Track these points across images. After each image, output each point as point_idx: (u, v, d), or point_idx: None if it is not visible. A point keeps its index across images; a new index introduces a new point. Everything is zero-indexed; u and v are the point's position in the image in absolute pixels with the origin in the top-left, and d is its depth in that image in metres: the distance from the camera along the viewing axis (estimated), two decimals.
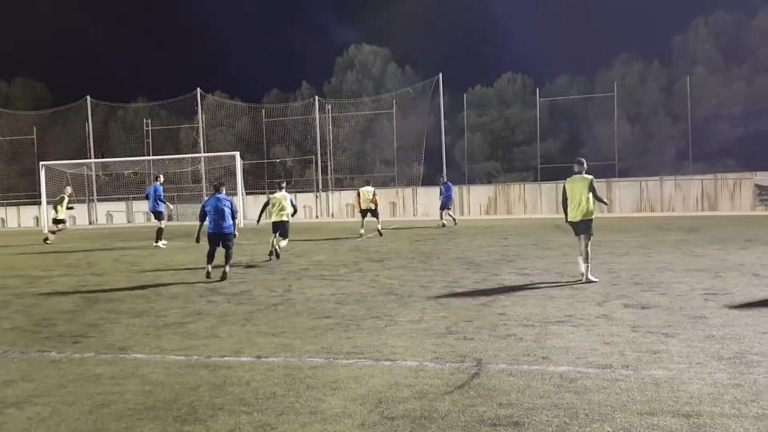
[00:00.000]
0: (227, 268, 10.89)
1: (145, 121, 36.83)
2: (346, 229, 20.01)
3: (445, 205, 21.91)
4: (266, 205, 13.35)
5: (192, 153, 34.30)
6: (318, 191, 33.23)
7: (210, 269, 10.79)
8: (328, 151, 34.68)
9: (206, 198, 11.98)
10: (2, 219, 36.47)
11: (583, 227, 9.66)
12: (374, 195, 18.84)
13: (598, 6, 49.72)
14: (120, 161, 32.10)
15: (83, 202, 34.06)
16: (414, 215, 29.76)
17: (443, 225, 21.72)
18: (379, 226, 19.11)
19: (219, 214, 10.94)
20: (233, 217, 11.14)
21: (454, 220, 22.71)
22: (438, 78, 30.77)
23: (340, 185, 35.92)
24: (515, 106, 41.56)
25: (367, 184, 19.53)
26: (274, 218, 13.47)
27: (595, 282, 9.23)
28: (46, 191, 27.55)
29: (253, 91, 53.12)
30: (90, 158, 33.94)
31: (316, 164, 34.12)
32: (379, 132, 38.37)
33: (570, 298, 8.11)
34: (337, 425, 4.06)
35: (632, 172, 32.38)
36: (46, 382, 5.17)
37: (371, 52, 45.27)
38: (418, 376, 5.02)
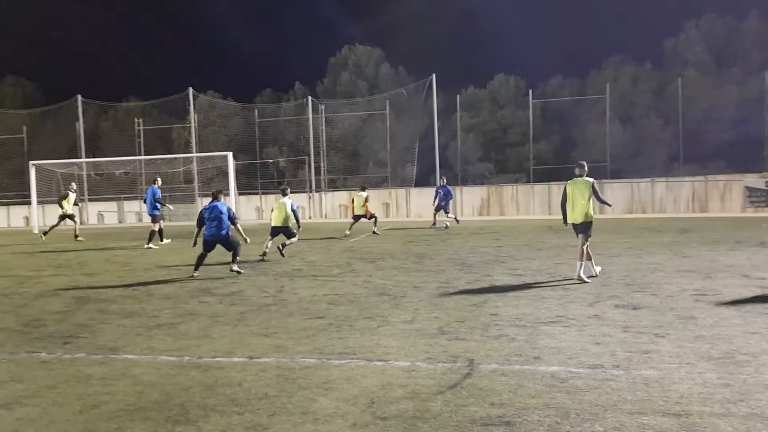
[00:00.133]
0: (234, 266, 11.26)
1: (136, 120, 36.63)
2: (340, 230, 20.01)
3: (442, 207, 21.51)
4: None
5: (184, 153, 34.16)
6: (311, 192, 33.19)
7: (195, 274, 11.00)
8: (321, 151, 34.64)
9: (204, 204, 12.30)
10: None
11: (582, 228, 9.81)
12: (366, 201, 18.91)
13: (590, 8, 50.00)
14: (111, 161, 31.93)
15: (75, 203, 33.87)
16: (407, 216, 29.77)
17: (434, 225, 21.50)
18: (375, 228, 19.20)
19: (216, 221, 11.21)
20: (233, 223, 11.44)
21: (456, 219, 22.61)
22: (431, 79, 30.81)
23: (333, 186, 35.87)
24: (508, 107, 41.68)
25: (362, 189, 19.54)
26: (273, 223, 13.80)
27: (587, 282, 9.30)
28: (37, 191, 27.38)
29: (246, 91, 53.00)
30: (81, 158, 33.74)
31: (309, 165, 34.08)
32: (373, 133, 38.37)
33: (562, 298, 8.14)
34: (329, 425, 4.05)
35: (624, 173, 32.55)
36: (36, 383, 5.14)
37: (365, 52, 45.27)
38: (410, 376, 5.03)
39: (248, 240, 11.95)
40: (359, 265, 12.06)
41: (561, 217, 10.03)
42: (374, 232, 19.04)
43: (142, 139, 36.36)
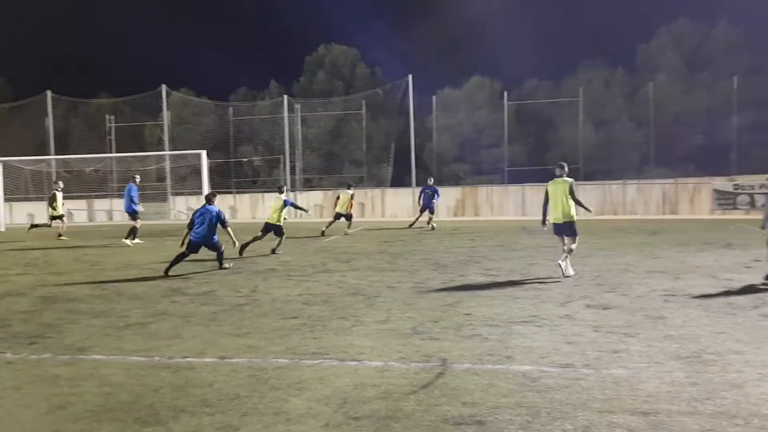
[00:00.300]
0: (223, 264, 11.53)
1: (108, 117, 36.02)
2: (315, 230, 19.93)
3: (428, 208, 21.17)
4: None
5: (156, 151, 33.69)
6: (286, 191, 32.99)
7: (169, 273, 10.92)
8: (297, 151, 34.46)
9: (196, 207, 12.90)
10: None
11: (565, 229, 10.02)
12: (351, 199, 19.21)
13: (566, 12, 50.53)
14: (81, 158, 31.35)
15: (42, 200, 33.24)
16: (383, 216, 29.78)
17: (412, 226, 21.48)
18: (347, 229, 19.21)
19: (206, 224, 11.34)
20: (224, 227, 11.62)
21: (432, 226, 21.93)
22: (408, 80, 30.86)
23: (308, 185, 35.70)
24: (484, 109, 41.93)
25: (348, 187, 19.74)
26: (267, 219, 14.30)
27: (570, 276, 9.75)
28: (4, 188, 26.77)
29: (220, 89, 52.45)
30: (50, 155, 33.07)
31: (285, 164, 33.87)
32: (349, 133, 38.29)
33: (534, 298, 8.22)
34: (301, 426, 4.03)
35: (596, 175, 32.94)
36: (1, 384, 5.03)
37: (341, 52, 45.16)
38: (383, 376, 5.03)
39: (236, 243, 12.11)
40: (334, 265, 12.03)
41: (535, 218, 10.20)
42: (346, 233, 19.03)
43: (113, 137, 35.76)
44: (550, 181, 10.35)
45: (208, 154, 27.17)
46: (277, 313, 7.60)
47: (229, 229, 11.78)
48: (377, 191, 31.09)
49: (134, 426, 4.09)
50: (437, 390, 4.65)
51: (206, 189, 26.35)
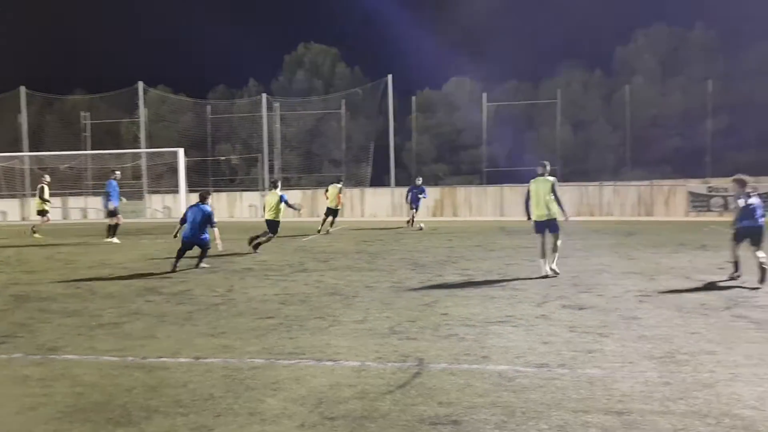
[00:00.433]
0: (201, 263, 11.58)
1: (83, 114, 35.43)
2: (293, 229, 19.83)
3: (414, 206, 21.30)
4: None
5: (133, 148, 33.25)
6: (264, 190, 32.78)
7: (176, 267, 11.21)
8: (275, 149, 34.26)
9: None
10: None
11: (548, 225, 10.08)
12: (339, 192, 19.49)
13: (544, 14, 50.98)
14: (56, 155, 30.83)
15: (14, 197, 32.60)
16: (362, 216, 29.74)
17: (412, 225, 21.29)
18: (330, 228, 19.26)
19: (197, 222, 11.53)
20: (212, 227, 11.75)
21: (410, 222, 22.03)
22: (387, 80, 30.86)
23: (287, 184, 35.50)
24: (463, 110, 42.10)
25: (338, 181, 20.32)
26: (267, 217, 14.20)
27: (558, 274, 9.95)
28: None
29: (198, 87, 51.93)
30: (23, 151, 32.45)
31: (263, 163, 33.65)
32: (328, 132, 38.18)
33: (511, 298, 8.26)
34: (276, 426, 4.00)
35: (574, 177, 33.27)
36: None
37: (320, 51, 45.03)
38: (360, 376, 5.01)
39: (221, 247, 12.10)
40: (311, 264, 11.98)
41: (513, 219, 10.28)
42: (327, 231, 19.10)
43: (88, 134, 35.20)
44: (532, 180, 10.42)
45: (185, 152, 26.90)
46: (253, 312, 7.54)
47: (216, 230, 11.85)
48: (356, 191, 31.02)
49: (107, 427, 4.03)
50: (414, 390, 4.65)
51: (183, 187, 26.13)
